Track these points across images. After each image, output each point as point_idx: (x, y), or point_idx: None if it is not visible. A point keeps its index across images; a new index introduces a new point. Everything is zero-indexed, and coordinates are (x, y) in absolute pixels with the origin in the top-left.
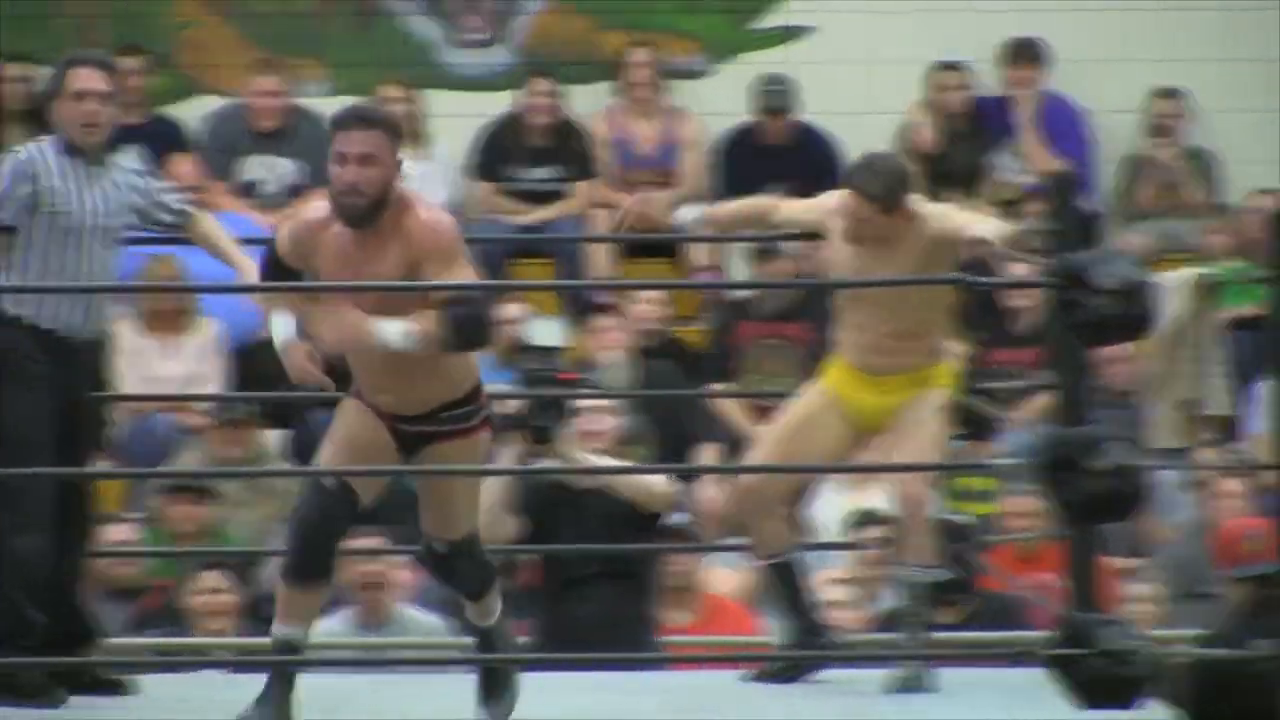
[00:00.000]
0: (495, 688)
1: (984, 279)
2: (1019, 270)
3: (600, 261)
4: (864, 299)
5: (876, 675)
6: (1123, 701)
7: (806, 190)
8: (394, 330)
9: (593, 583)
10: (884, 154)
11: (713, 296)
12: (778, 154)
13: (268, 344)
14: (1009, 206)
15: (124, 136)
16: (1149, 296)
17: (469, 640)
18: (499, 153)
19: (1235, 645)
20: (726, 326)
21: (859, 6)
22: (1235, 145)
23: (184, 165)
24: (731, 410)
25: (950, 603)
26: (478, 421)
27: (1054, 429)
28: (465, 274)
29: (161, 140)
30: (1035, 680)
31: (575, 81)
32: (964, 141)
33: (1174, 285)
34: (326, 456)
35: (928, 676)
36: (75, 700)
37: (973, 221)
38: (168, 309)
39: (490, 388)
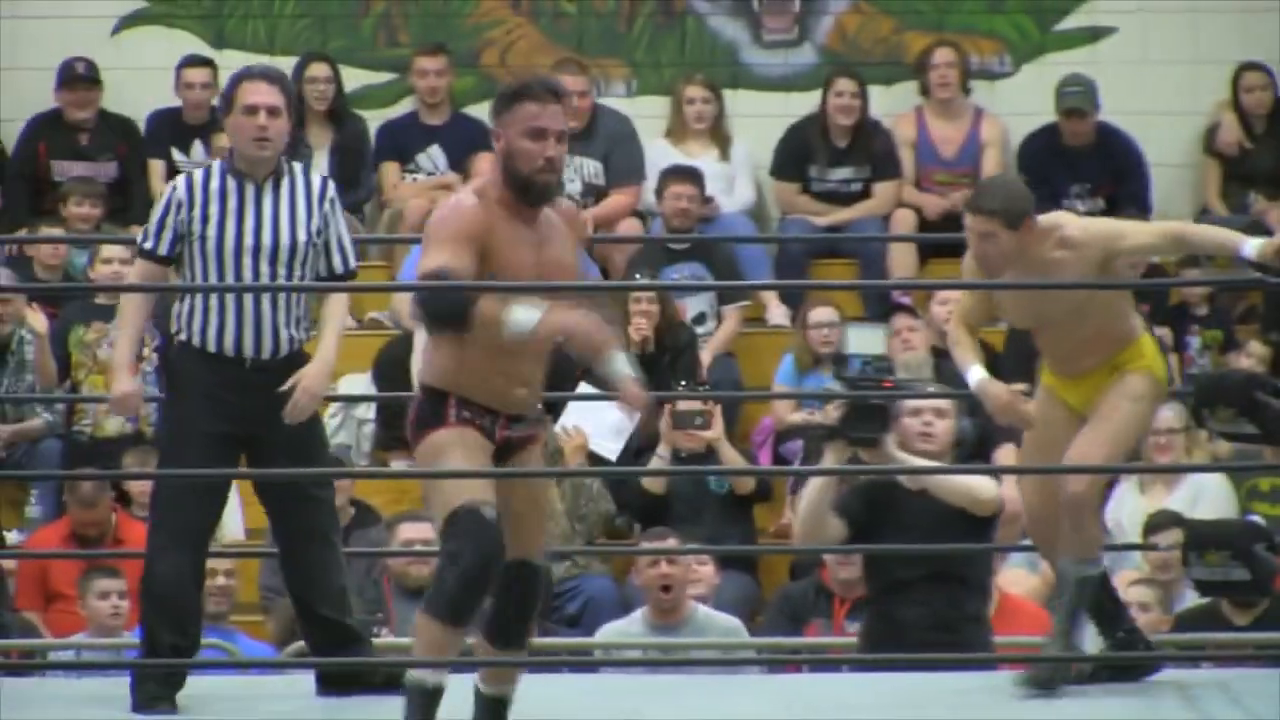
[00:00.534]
0: None
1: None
2: None
3: (901, 262)
4: (1043, 327)
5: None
6: None
7: (1107, 190)
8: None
9: (920, 585)
10: (1006, 175)
11: None
12: (1079, 154)
13: None
14: None
15: (428, 136)
16: None
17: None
18: (801, 153)
19: None
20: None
21: (1164, 6)
22: None
23: (486, 164)
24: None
25: (1245, 604)
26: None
27: None
28: None
29: (464, 140)
30: None
31: (878, 82)
32: (1268, 142)
33: None
34: (478, 489)
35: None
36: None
37: (1133, 232)
38: None
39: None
